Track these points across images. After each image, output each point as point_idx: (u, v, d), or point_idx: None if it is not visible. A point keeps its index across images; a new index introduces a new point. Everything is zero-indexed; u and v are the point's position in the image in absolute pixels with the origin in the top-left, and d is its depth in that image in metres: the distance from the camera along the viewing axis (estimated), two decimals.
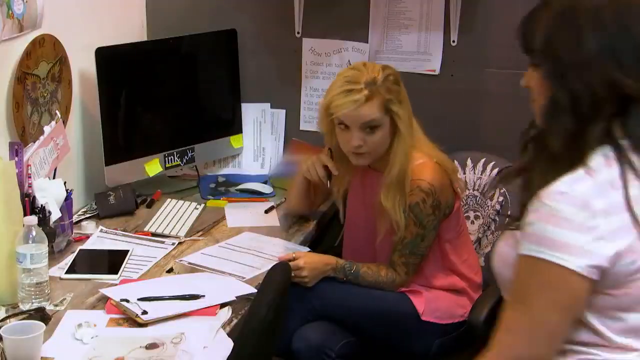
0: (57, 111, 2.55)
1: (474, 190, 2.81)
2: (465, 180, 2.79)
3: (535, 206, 1.52)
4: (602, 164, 1.52)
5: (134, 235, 2.60)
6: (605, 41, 1.52)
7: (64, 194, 2.40)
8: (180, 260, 2.42)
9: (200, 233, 2.65)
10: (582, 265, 1.47)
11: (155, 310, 2.04)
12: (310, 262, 2.40)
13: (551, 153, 1.56)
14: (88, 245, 2.51)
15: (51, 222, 2.31)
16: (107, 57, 2.73)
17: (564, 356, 1.56)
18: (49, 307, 2.08)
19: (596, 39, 1.52)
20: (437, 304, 2.42)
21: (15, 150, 2.23)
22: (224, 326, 2.03)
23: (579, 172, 1.51)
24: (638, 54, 1.52)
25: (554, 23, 1.57)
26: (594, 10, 1.54)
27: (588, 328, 1.55)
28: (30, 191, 2.26)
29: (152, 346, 1.91)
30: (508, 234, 1.64)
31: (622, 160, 1.52)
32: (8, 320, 1.99)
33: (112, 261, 2.39)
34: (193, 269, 2.38)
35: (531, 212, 1.52)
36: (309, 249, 2.57)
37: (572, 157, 1.53)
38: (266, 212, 2.85)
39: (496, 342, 1.57)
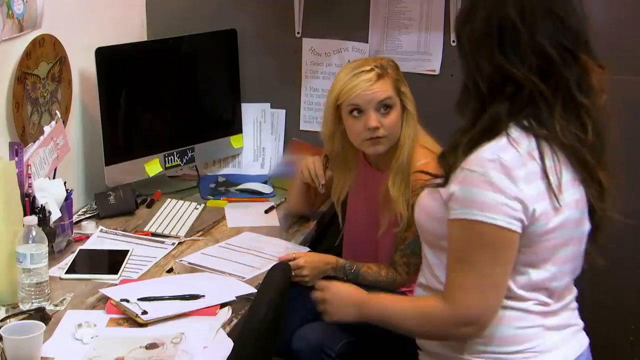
0: (57, 111, 2.55)
1: None
2: None
3: (462, 173, 1.68)
4: (523, 135, 1.69)
5: (134, 235, 2.60)
6: (492, 28, 1.69)
7: (64, 194, 2.40)
8: (180, 260, 2.42)
9: (200, 233, 2.65)
10: (511, 221, 1.66)
11: (155, 310, 2.04)
12: (310, 262, 2.40)
13: (466, 130, 1.73)
14: (88, 245, 2.51)
15: (51, 222, 2.31)
16: (107, 57, 2.73)
17: None
18: (49, 307, 2.08)
19: (484, 24, 1.70)
20: None
21: (15, 150, 2.23)
22: (224, 326, 2.03)
23: (502, 141, 1.68)
24: (516, 43, 1.68)
25: (463, 12, 1.78)
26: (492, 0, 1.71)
27: None
28: (30, 191, 2.26)
29: (152, 346, 1.91)
30: (431, 190, 1.80)
31: (538, 133, 1.69)
32: (8, 320, 1.99)
33: (112, 261, 2.39)
34: (193, 269, 2.38)
35: (458, 179, 1.69)
36: (309, 249, 2.57)
37: (484, 133, 1.69)
38: (266, 212, 2.85)
39: (449, 300, 1.74)
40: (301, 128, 3.17)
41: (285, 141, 3.19)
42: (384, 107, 2.35)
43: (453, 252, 1.73)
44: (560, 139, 1.69)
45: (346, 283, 2.05)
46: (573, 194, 1.74)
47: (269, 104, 3.19)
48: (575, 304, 1.92)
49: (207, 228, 2.69)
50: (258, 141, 3.22)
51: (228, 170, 3.22)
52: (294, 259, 2.39)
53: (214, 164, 3.22)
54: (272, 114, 3.20)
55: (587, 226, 1.81)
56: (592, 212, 1.80)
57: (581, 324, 1.92)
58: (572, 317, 1.89)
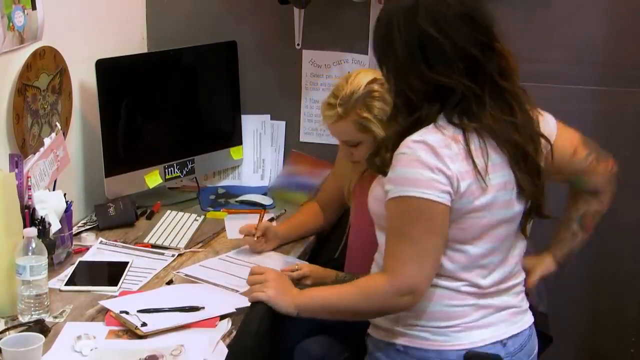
0: (57, 123, 2.56)
1: None
2: None
3: (395, 158, 1.83)
4: (448, 123, 1.84)
5: (133, 247, 2.60)
6: (412, 46, 1.82)
7: (64, 206, 2.40)
8: (178, 272, 2.42)
9: (200, 245, 2.64)
10: (440, 194, 1.80)
11: (154, 322, 2.04)
12: (314, 271, 2.40)
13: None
14: (88, 257, 2.51)
15: (51, 234, 2.31)
16: (107, 69, 2.74)
17: None
18: (48, 319, 2.08)
19: (404, 45, 1.82)
20: None
21: (15, 162, 2.23)
22: (223, 338, 2.03)
23: (430, 127, 1.83)
24: (441, 54, 1.80)
25: (378, 35, 1.90)
26: (401, 20, 1.82)
27: None
28: (30, 203, 2.26)
29: (151, 358, 1.90)
30: (379, 178, 1.95)
31: (465, 127, 1.83)
32: (7, 333, 1.98)
33: (111, 273, 2.39)
34: (191, 281, 2.37)
35: (392, 164, 1.84)
36: (307, 263, 2.56)
37: (414, 125, 1.85)
38: None
39: (389, 272, 1.89)
40: (301, 140, 3.17)
41: (285, 153, 3.19)
42: (350, 144, 2.37)
43: (391, 229, 1.89)
44: (490, 126, 1.84)
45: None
46: (502, 176, 1.87)
47: (269, 116, 3.20)
48: (520, 288, 2.04)
49: (207, 240, 2.69)
50: (258, 153, 3.22)
51: (228, 181, 3.22)
52: (297, 269, 2.38)
53: (213, 176, 3.22)
54: (272, 125, 3.20)
55: (517, 207, 1.92)
56: (524, 194, 1.91)
57: (525, 305, 2.05)
58: (514, 300, 2.01)
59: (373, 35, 1.93)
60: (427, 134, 1.82)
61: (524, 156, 1.88)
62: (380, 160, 1.91)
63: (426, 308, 1.92)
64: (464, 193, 1.82)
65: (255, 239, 2.57)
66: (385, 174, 1.88)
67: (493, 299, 1.96)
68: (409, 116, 1.86)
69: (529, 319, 2.05)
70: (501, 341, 1.95)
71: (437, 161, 1.80)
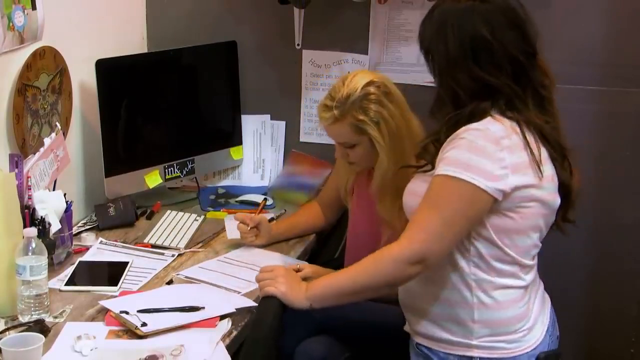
0: (57, 123, 2.56)
1: None
2: None
3: (453, 141, 1.87)
4: (502, 116, 1.90)
5: (133, 247, 2.60)
6: (465, 46, 1.89)
7: (64, 206, 2.40)
8: (178, 274, 2.41)
9: (200, 245, 2.64)
10: (490, 185, 1.83)
11: (154, 322, 2.04)
12: (316, 272, 2.39)
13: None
14: (88, 257, 2.51)
15: (51, 234, 2.31)
16: (107, 69, 2.74)
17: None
18: (48, 319, 2.08)
19: (457, 43, 1.89)
20: None
21: (15, 162, 2.23)
22: (223, 338, 2.03)
23: (488, 119, 1.89)
24: (492, 56, 1.89)
25: (431, 30, 1.96)
26: (456, 20, 1.90)
27: (493, 245, 1.92)
28: (30, 203, 2.26)
29: (151, 358, 1.90)
30: (421, 174, 2.00)
31: (517, 118, 1.90)
32: (7, 333, 1.99)
33: (111, 273, 2.39)
34: (191, 282, 2.37)
35: (449, 146, 1.88)
36: (307, 264, 2.56)
37: (468, 117, 1.90)
38: None
39: (408, 237, 1.91)
40: (301, 140, 3.17)
41: (285, 153, 3.19)
42: (345, 145, 2.37)
43: (427, 199, 1.90)
44: (536, 122, 1.92)
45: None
46: (550, 168, 1.95)
47: (269, 116, 3.20)
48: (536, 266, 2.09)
49: (207, 240, 2.69)
50: (258, 153, 3.22)
51: (228, 181, 3.22)
52: (299, 270, 2.38)
53: (213, 176, 3.22)
54: (272, 125, 3.20)
55: (558, 200, 1.99)
56: (563, 190, 1.99)
57: (541, 283, 2.13)
58: (537, 276, 2.09)
59: (423, 31, 1.97)
60: (489, 124, 1.87)
61: (563, 154, 1.98)
62: (430, 153, 1.96)
63: (503, 315, 1.96)
64: (520, 184, 1.87)
65: (249, 229, 2.57)
66: (431, 169, 1.94)
67: (534, 285, 2.04)
68: (455, 110, 1.92)
69: (547, 295, 2.14)
70: (547, 328, 2.04)
71: (496, 150, 1.84)
